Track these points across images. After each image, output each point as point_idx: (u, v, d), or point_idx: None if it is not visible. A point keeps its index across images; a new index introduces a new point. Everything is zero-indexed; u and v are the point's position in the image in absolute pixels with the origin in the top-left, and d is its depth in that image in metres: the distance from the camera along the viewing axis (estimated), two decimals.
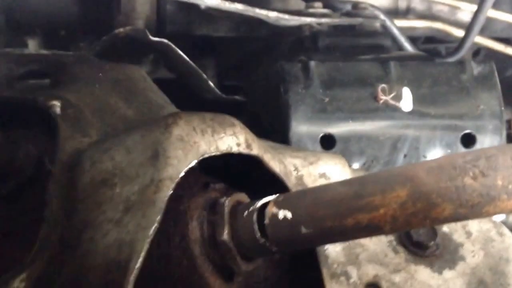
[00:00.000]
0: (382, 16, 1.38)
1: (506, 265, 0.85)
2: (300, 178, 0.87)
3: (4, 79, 1.03)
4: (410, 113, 1.16)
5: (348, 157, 1.03)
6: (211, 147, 0.76)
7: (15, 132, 0.94)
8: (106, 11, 1.43)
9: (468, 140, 1.18)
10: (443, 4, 1.53)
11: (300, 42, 1.35)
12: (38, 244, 0.75)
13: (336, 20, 1.36)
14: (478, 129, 1.18)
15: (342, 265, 0.80)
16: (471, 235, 0.89)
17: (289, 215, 0.71)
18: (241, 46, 1.47)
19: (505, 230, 0.91)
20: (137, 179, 0.74)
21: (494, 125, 1.19)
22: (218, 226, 0.75)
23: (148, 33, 1.19)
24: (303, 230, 0.70)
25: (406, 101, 1.17)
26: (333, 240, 0.75)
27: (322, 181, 0.88)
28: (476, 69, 1.23)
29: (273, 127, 1.16)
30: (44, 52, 1.34)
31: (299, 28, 1.34)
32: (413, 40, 1.43)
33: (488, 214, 0.63)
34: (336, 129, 1.13)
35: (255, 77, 1.29)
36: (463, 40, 1.38)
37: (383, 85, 1.16)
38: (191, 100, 1.15)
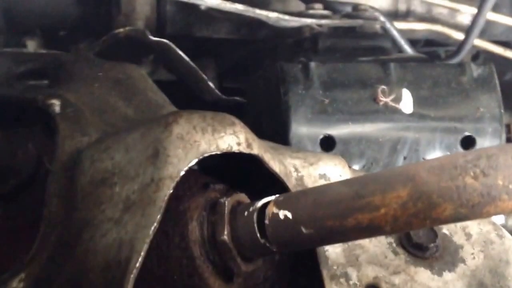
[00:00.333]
0: (382, 18, 1.38)
1: (506, 267, 0.85)
2: (300, 179, 0.87)
3: (3, 78, 1.03)
4: (410, 115, 1.16)
5: (348, 159, 1.03)
6: (212, 146, 0.76)
7: (14, 131, 0.93)
8: (105, 11, 1.43)
9: (468, 143, 1.18)
10: (443, 6, 1.54)
11: (300, 44, 1.35)
12: (37, 244, 0.75)
13: (336, 22, 1.36)
14: (477, 132, 1.18)
15: (342, 266, 0.80)
16: (471, 237, 0.89)
17: (289, 215, 0.71)
18: (241, 48, 1.46)
19: (505, 232, 0.91)
20: (137, 178, 0.74)
21: (493, 127, 1.19)
22: (218, 226, 0.75)
23: (148, 33, 1.19)
24: (304, 230, 0.70)
25: (406, 103, 1.17)
26: (333, 240, 0.74)
27: (322, 182, 0.88)
28: (476, 71, 1.23)
29: (273, 128, 1.16)
30: (43, 51, 1.34)
31: (299, 29, 1.34)
32: (412, 42, 1.43)
33: (489, 214, 0.62)
34: (336, 130, 1.13)
35: (255, 78, 1.28)
36: (462, 43, 1.38)
37: (383, 86, 1.16)
38: (190, 101, 1.15)
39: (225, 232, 0.74)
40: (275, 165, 0.82)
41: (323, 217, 0.69)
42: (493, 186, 0.60)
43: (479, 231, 0.90)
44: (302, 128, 1.12)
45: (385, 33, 1.39)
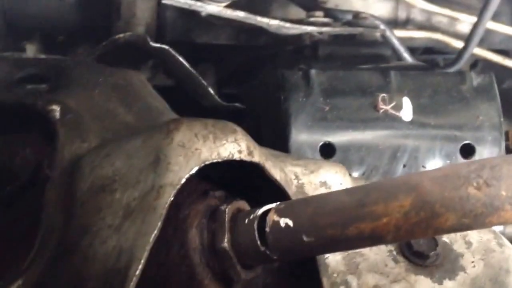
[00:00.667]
0: (382, 26, 1.39)
1: (506, 276, 0.85)
2: (300, 187, 0.86)
3: (2, 83, 1.02)
4: (410, 123, 1.16)
5: (347, 166, 1.03)
6: (213, 153, 0.76)
7: (13, 137, 0.93)
8: (105, 17, 1.43)
9: (467, 151, 1.18)
10: (443, 15, 1.54)
11: (300, 51, 1.35)
12: (35, 250, 0.74)
13: (337, 29, 1.36)
14: (477, 140, 1.18)
15: (342, 274, 0.80)
16: (471, 246, 0.89)
17: (290, 223, 0.70)
18: (241, 54, 1.46)
19: (505, 241, 0.91)
20: (138, 185, 0.73)
21: (493, 136, 1.19)
22: (218, 233, 0.74)
23: (149, 39, 1.19)
24: (305, 238, 0.69)
25: (406, 111, 1.17)
26: (334, 249, 0.74)
27: (322, 190, 0.88)
28: (475, 80, 1.23)
29: (273, 135, 1.16)
30: (43, 56, 1.33)
31: (299, 36, 1.34)
32: (412, 50, 1.43)
33: (492, 224, 0.62)
34: (336, 137, 1.13)
35: (255, 85, 1.28)
36: (462, 51, 1.38)
37: (383, 94, 1.16)
38: (190, 107, 1.15)
39: (225, 240, 0.74)
40: (276, 173, 0.82)
41: (324, 226, 0.69)
42: (496, 196, 0.60)
43: (480, 239, 0.90)
44: (302, 135, 1.12)
45: (385, 41, 1.39)
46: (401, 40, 1.40)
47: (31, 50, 1.43)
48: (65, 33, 1.49)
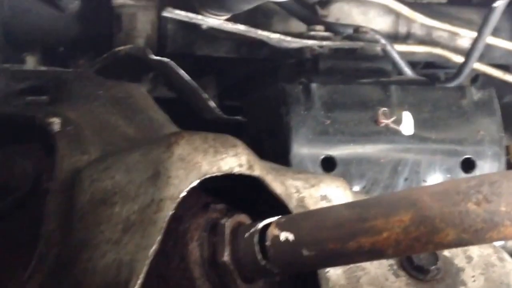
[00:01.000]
0: (382, 41, 1.39)
1: None
2: (301, 200, 0.86)
3: (2, 95, 1.02)
4: (410, 137, 1.16)
5: (348, 180, 1.03)
6: (213, 167, 0.76)
7: (12, 149, 0.93)
8: (106, 29, 1.43)
9: (468, 165, 1.18)
10: (443, 30, 1.54)
11: (301, 64, 1.35)
12: (35, 263, 0.74)
13: (337, 43, 1.36)
14: (478, 155, 1.18)
15: None
16: (472, 260, 0.88)
17: (291, 237, 0.70)
18: (242, 67, 1.47)
19: (506, 255, 0.90)
20: (137, 199, 0.73)
21: (493, 150, 1.19)
22: (218, 247, 0.74)
23: (149, 52, 1.19)
24: (305, 252, 0.69)
25: (407, 125, 1.17)
26: (335, 263, 0.74)
27: (323, 204, 0.87)
28: (476, 94, 1.24)
29: (273, 149, 1.16)
30: (43, 68, 1.33)
31: (300, 50, 1.34)
32: (413, 65, 1.43)
33: (492, 240, 0.62)
34: (337, 151, 1.13)
35: (256, 98, 1.28)
36: (462, 66, 1.38)
37: (384, 109, 1.16)
38: (190, 119, 1.15)
39: (226, 254, 0.73)
40: (277, 187, 0.82)
41: (325, 240, 0.68)
42: (495, 212, 0.60)
43: (480, 254, 0.90)
44: (303, 149, 1.12)
45: (386, 55, 1.39)
46: (402, 54, 1.40)
47: (31, 62, 1.43)
48: (66, 45, 1.50)
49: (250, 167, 0.79)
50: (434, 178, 1.16)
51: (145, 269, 0.66)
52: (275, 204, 0.82)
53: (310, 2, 1.42)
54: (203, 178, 0.74)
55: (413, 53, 1.50)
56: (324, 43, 1.34)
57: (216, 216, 0.78)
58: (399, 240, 0.64)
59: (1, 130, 0.93)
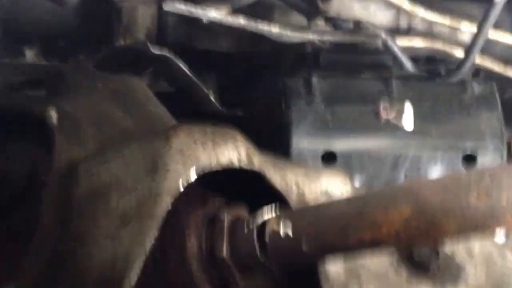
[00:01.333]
0: (383, 35, 1.38)
1: None
2: (301, 195, 0.85)
3: (0, 89, 1.02)
4: (411, 132, 1.15)
5: (349, 174, 1.02)
6: (212, 161, 0.75)
7: (10, 142, 0.92)
8: (106, 22, 1.42)
9: (469, 160, 1.17)
10: (444, 24, 1.53)
11: (302, 58, 1.34)
12: (30, 257, 0.73)
13: (338, 38, 1.35)
14: (479, 150, 1.18)
15: (343, 285, 0.79)
16: (473, 257, 0.88)
17: (290, 232, 0.70)
18: (243, 61, 1.46)
19: (508, 253, 0.90)
20: (135, 192, 0.72)
21: (494, 145, 1.18)
22: (217, 242, 0.73)
23: (150, 46, 1.18)
24: (304, 248, 0.69)
25: (408, 120, 1.16)
26: (334, 258, 0.73)
27: (324, 198, 0.87)
28: (477, 89, 1.23)
29: (274, 143, 1.15)
30: (42, 62, 1.33)
31: (301, 44, 1.33)
32: (414, 60, 1.42)
33: (492, 234, 0.62)
34: (338, 145, 1.12)
35: (257, 92, 1.28)
36: (463, 61, 1.37)
37: (385, 103, 1.15)
38: (191, 114, 1.14)
39: (224, 248, 0.73)
40: (277, 181, 0.81)
41: (324, 235, 0.68)
42: (496, 206, 0.60)
43: (481, 251, 0.89)
44: (304, 143, 1.11)
45: (387, 50, 1.38)
46: (403, 49, 1.39)
47: (30, 55, 1.42)
48: (65, 38, 1.49)
49: (250, 160, 0.78)
50: (435, 172, 1.15)
51: (141, 263, 0.66)
52: (274, 199, 0.82)
53: None
54: (201, 171, 0.74)
55: (414, 48, 1.49)
56: (325, 37, 1.33)
57: (214, 210, 0.78)
58: (399, 234, 0.64)
59: None
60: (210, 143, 0.76)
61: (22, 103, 0.95)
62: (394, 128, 1.15)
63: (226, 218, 0.74)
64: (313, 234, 0.69)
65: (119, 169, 0.75)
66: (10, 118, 0.93)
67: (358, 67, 1.32)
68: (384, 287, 0.80)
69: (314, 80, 1.16)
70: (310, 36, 1.32)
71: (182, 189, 0.72)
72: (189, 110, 1.22)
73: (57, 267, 0.71)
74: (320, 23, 1.37)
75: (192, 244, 0.73)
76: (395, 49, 1.38)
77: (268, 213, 0.74)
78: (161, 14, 1.37)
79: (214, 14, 1.28)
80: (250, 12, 1.35)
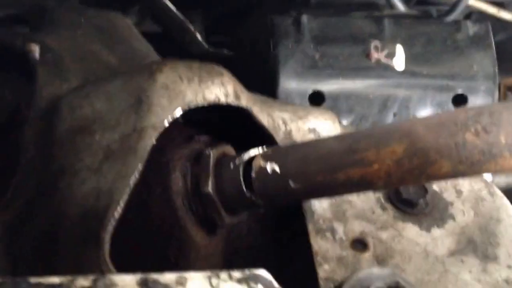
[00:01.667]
0: None
1: (496, 225, 0.84)
2: (288, 133, 0.84)
3: None
4: (402, 72, 1.14)
5: (336, 115, 1.01)
6: (198, 96, 0.73)
7: None
8: None
9: (460, 101, 1.16)
10: None
11: None
12: (12, 191, 0.72)
13: None
14: (470, 90, 1.16)
15: (328, 221, 0.78)
16: (461, 194, 0.87)
17: (277, 169, 0.69)
18: (230, 0, 1.42)
19: (496, 190, 0.89)
20: (118, 127, 0.71)
21: (486, 86, 1.17)
22: (202, 178, 0.72)
23: None
24: (292, 184, 0.68)
25: (399, 60, 1.14)
26: (322, 195, 0.72)
27: (311, 137, 0.85)
28: (471, 29, 1.20)
29: (261, 82, 1.13)
30: None
31: None
32: (405, 1, 1.39)
33: (489, 172, 0.61)
34: (326, 86, 1.10)
35: (244, 32, 1.25)
36: (456, 2, 1.34)
37: (376, 42, 1.13)
38: (177, 53, 1.11)
39: (209, 185, 0.72)
40: (263, 118, 0.80)
41: (312, 172, 0.67)
42: (494, 143, 0.58)
43: (470, 188, 0.88)
44: (291, 83, 1.09)
45: None
46: None
47: None
48: None
49: (237, 97, 0.77)
50: (425, 113, 1.14)
51: (124, 197, 0.65)
52: (261, 136, 0.80)
53: None
54: (187, 107, 0.72)
55: None
56: None
57: (200, 147, 0.76)
58: (390, 172, 0.63)
59: None
60: (196, 79, 0.74)
61: (4, 37, 0.92)
62: (384, 68, 1.13)
63: (212, 154, 0.73)
64: (300, 170, 0.68)
65: (102, 104, 0.74)
66: None
67: (349, 7, 1.28)
68: (370, 223, 0.80)
69: (304, 18, 1.12)
70: None
71: (167, 125, 0.70)
72: (176, 49, 1.19)
73: (39, 201, 0.70)
74: None
75: (177, 179, 0.72)
76: None
77: (255, 152, 0.72)
78: None
79: None
80: None
